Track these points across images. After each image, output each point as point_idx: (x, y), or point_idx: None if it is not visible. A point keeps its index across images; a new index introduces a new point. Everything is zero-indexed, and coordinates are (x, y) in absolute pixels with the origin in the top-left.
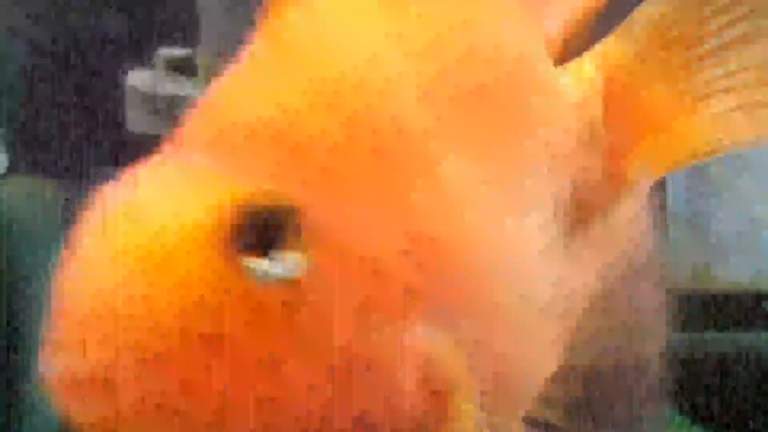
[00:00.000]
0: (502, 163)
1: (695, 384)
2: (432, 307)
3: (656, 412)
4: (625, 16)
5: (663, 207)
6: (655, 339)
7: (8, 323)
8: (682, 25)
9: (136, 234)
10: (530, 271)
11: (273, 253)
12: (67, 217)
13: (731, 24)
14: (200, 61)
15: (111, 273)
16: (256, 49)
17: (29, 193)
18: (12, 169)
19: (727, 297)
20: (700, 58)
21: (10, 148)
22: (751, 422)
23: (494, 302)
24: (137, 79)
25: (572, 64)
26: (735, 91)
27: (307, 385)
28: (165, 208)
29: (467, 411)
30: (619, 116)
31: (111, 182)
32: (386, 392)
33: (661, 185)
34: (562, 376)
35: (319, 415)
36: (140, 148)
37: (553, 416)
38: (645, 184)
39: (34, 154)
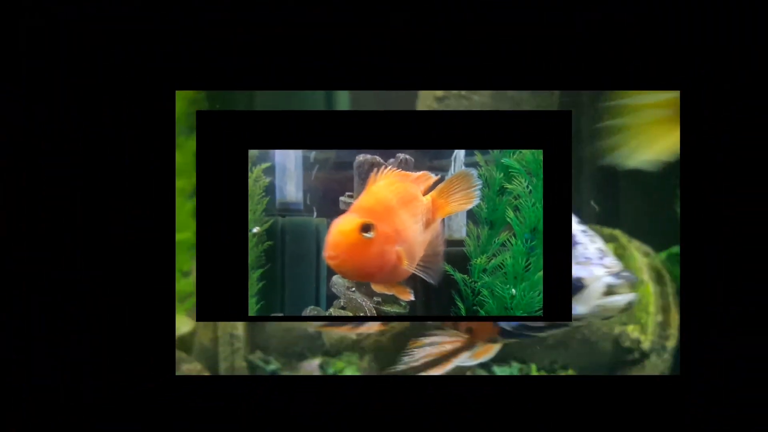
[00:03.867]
0: (413, 216)
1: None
2: (400, 242)
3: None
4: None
5: (443, 224)
6: (440, 256)
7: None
8: (451, 186)
9: (341, 227)
10: (419, 237)
11: (368, 231)
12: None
13: (466, 188)
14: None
15: (336, 236)
16: (363, 195)
17: (311, 223)
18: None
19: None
20: (454, 193)
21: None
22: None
23: (414, 241)
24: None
25: (425, 197)
26: (461, 201)
27: (375, 261)
28: (346, 221)
29: (407, 265)
30: (434, 208)
31: (337, 218)
32: (390, 261)
33: (443, 219)
34: (422, 259)
35: (376, 266)
36: (342, 211)
37: (418, 270)
38: (440, 219)
39: (311, 205)
